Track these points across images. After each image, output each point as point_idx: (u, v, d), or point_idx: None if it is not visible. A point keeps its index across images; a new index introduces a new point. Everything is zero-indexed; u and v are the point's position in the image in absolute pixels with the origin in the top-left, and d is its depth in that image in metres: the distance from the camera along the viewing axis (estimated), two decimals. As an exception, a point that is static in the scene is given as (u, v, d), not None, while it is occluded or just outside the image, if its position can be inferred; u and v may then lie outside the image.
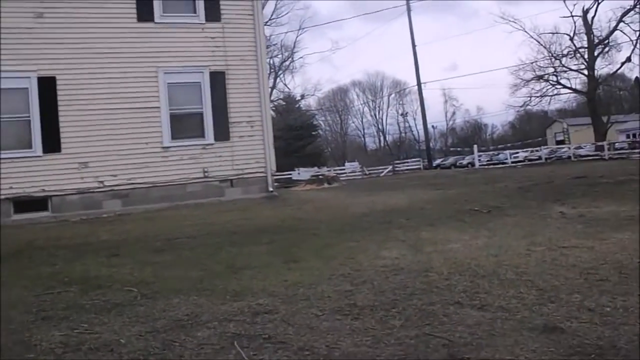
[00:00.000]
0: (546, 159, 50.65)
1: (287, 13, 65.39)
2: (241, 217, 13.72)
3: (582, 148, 53.83)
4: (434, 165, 60.95)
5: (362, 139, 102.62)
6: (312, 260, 8.11)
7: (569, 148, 56.76)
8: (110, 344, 4.94)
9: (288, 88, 65.28)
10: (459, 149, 76.17)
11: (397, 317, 5.33)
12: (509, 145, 67.52)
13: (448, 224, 10.88)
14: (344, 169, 53.98)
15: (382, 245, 8.93)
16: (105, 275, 7.83)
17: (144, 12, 18.24)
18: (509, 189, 17.05)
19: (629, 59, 58.30)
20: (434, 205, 14.32)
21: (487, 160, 55.26)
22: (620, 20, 57.33)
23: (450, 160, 66.93)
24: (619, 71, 62.69)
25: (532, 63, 61.39)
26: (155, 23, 18.32)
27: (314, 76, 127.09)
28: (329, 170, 45.55)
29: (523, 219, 11.01)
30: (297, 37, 69.94)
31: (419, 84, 63.44)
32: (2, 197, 16.28)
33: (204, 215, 14.55)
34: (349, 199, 18.24)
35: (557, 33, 61.46)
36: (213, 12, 18.97)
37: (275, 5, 61.60)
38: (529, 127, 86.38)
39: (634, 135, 66.17)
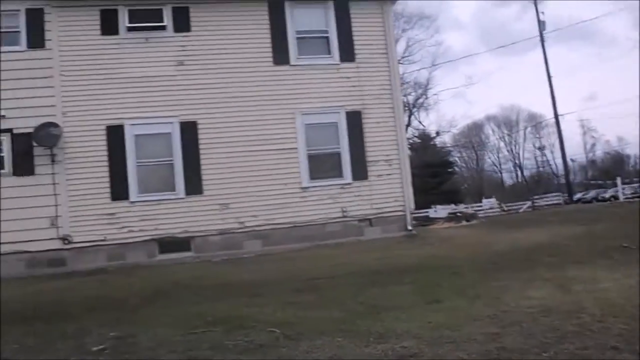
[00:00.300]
0: (697, 187, 47.99)
1: (419, 50, 64.71)
2: (381, 256, 13.56)
3: None
4: (575, 199, 58.73)
5: (499, 174, 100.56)
6: (456, 301, 7.88)
7: None
8: (256, 385, 4.89)
9: (423, 125, 64.92)
10: (599, 182, 73.33)
11: (548, 362, 5.05)
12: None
13: (596, 261, 10.38)
14: (481, 206, 52.80)
15: (527, 285, 8.60)
16: (247, 315, 7.85)
17: (280, 55, 18.56)
18: (659, 223, 16.10)
19: None
20: (579, 241, 13.70)
21: (632, 193, 52.83)
22: None
23: (592, 194, 64.31)
24: None
25: (679, 86, 58.36)
26: (291, 65, 18.60)
27: (448, 112, 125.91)
28: (466, 208, 44.75)
29: (679, 254, 10.36)
30: (430, 73, 69.42)
31: (556, 116, 61.50)
32: (148, 237, 16.80)
33: (344, 255, 14.48)
34: (490, 236, 17.77)
35: None
36: (347, 53, 19.09)
37: (407, 42, 61.52)
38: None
39: None
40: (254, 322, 7.34)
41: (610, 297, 7.26)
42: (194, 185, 17.32)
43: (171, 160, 17.37)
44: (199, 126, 17.59)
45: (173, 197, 17.24)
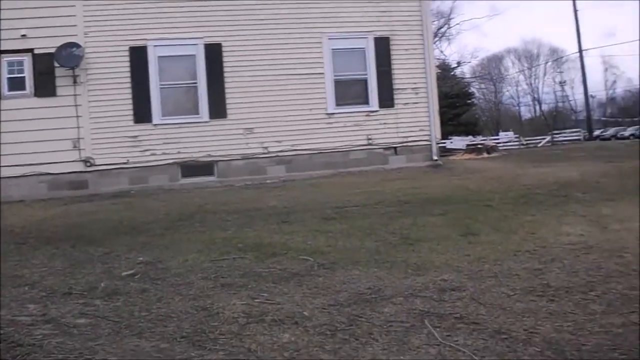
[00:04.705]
0: None
1: (442, -23, 63.08)
2: (409, 186, 13.35)
3: None
4: (594, 136, 58.35)
5: (517, 107, 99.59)
6: (492, 234, 7.68)
7: None
8: (293, 316, 4.73)
9: (444, 55, 63.76)
10: (618, 119, 72.51)
11: (597, 302, 4.86)
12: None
13: (630, 199, 10.08)
14: (498, 139, 52.46)
15: (562, 221, 8.39)
16: (278, 242, 7.70)
17: (308, -23, 18.07)
18: (692, 164, 15.77)
19: None
20: (608, 179, 13.42)
21: (653, 132, 52.11)
22: None
23: (610, 131, 63.61)
24: None
25: None
26: (320, -12, 18.11)
27: (470, 43, 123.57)
28: (484, 140, 44.48)
29: None
30: (453, 2, 67.94)
31: (580, 51, 60.86)
32: (171, 160, 16.66)
33: (370, 183, 14.29)
34: (515, 169, 17.55)
35: None
36: (376, -24, 18.53)
37: (433, -30, 60.13)
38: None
39: None
40: (286, 250, 7.18)
41: (651, 237, 7.01)
42: (218, 108, 17.07)
43: (195, 83, 17.09)
44: (224, 48, 17.24)
45: (197, 120, 17.03)
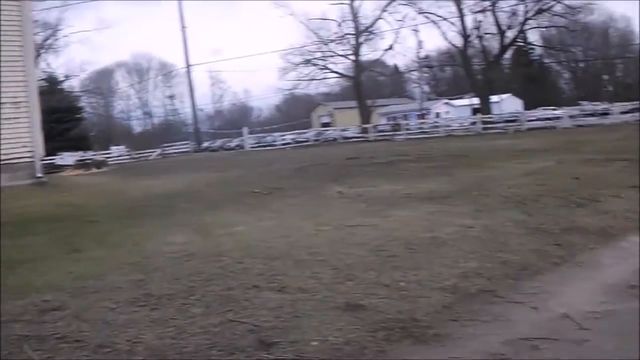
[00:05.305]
0: (314, 140, 52.21)
1: (49, -14, 61.10)
2: (10, 205, 12.76)
3: (347, 130, 55.81)
4: (203, 148, 61.17)
5: (128, 121, 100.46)
6: (96, 250, 7.78)
7: (334, 130, 58.91)
8: None
9: (51, 68, 61.83)
10: (225, 131, 76.42)
11: (197, 305, 5.23)
12: (275, 127, 69.10)
13: (230, 206, 10.92)
14: (109, 153, 52.39)
15: (166, 231, 8.77)
16: None
17: None
18: (285, 171, 17.36)
19: (390, 47, 62.10)
20: (212, 188, 14.30)
21: (255, 143, 55.80)
22: (383, 10, 60.59)
23: (218, 143, 66.67)
24: (380, 58, 66.58)
25: (301, 47, 63.29)
26: None
27: (78, 56, 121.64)
28: (94, 155, 44.14)
29: (305, 199, 11.27)
30: (60, 14, 66.24)
31: (187, 66, 63.16)
32: None
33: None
34: (123, 183, 17.79)
35: (325, 19, 63.72)
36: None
37: (36, -22, 58.06)
38: (295, 110, 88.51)
39: (394, 119, 69.63)
40: None
41: (247, 239, 7.65)
42: None
43: None
44: None
45: None
